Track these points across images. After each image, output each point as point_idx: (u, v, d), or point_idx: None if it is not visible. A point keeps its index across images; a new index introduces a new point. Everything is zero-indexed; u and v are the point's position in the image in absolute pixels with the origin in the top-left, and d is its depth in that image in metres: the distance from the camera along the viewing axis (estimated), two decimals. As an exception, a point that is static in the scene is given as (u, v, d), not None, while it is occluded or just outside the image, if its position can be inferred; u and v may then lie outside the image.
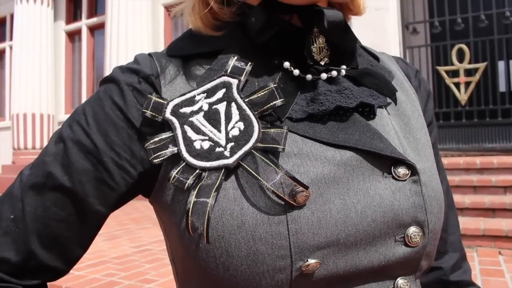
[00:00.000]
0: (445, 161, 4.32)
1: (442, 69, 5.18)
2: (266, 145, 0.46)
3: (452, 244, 0.69)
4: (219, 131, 0.47)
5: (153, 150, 0.47)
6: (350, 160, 0.47)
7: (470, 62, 5.07)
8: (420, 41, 5.55)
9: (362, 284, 0.49)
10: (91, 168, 0.49)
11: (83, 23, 8.67)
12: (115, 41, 7.23)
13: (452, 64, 5.13)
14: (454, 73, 5.15)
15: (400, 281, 0.50)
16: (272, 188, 0.44)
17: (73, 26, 8.88)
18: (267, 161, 0.45)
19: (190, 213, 0.44)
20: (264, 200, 0.45)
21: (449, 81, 5.15)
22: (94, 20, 8.53)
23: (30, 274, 0.50)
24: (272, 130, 0.46)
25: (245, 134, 0.46)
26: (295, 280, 0.45)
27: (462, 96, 5.09)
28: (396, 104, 0.56)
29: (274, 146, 0.45)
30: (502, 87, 5.24)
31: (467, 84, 5.08)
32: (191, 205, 0.44)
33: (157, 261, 3.43)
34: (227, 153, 0.46)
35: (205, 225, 0.43)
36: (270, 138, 0.46)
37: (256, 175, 0.44)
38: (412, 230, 0.49)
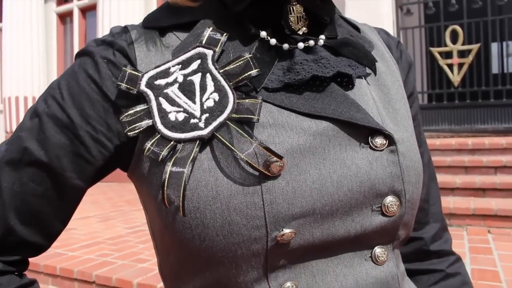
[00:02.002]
0: (437, 142, 4.35)
1: (435, 50, 5.17)
2: (241, 116, 0.46)
3: (433, 215, 0.70)
4: (194, 102, 0.47)
5: (128, 123, 0.47)
6: (326, 130, 0.48)
7: (463, 44, 5.06)
8: (414, 22, 5.52)
9: (339, 254, 0.49)
10: (67, 143, 0.49)
11: (75, 5, 8.54)
12: (107, 23, 7.14)
13: (445, 45, 5.12)
14: (448, 55, 5.14)
15: (377, 250, 0.51)
16: (246, 159, 0.44)
17: (64, 7, 8.75)
18: (242, 132, 0.45)
19: (166, 185, 0.44)
20: (238, 171, 0.45)
21: (442, 62, 5.15)
22: (85, 1, 8.40)
23: (10, 250, 0.51)
24: (247, 100, 0.46)
25: (220, 105, 0.46)
26: (271, 250, 0.46)
27: (455, 77, 5.10)
28: (375, 74, 0.56)
29: (249, 116, 0.45)
30: (495, 69, 5.24)
31: (460, 65, 5.08)
32: (167, 176, 0.44)
33: (151, 241, 3.44)
34: (201, 125, 0.46)
35: (181, 198, 0.44)
36: (245, 109, 0.46)
37: (230, 146, 0.44)
38: (389, 199, 0.49)
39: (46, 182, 0.49)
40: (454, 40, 5.07)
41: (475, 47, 4.99)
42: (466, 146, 4.21)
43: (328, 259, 0.49)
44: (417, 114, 0.66)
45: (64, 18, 8.94)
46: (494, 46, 5.23)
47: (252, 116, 0.45)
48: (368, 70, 0.55)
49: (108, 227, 4.02)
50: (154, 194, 0.48)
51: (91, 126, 0.49)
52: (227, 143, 0.45)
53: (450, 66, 5.12)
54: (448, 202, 3.66)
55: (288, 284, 0.47)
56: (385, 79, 0.58)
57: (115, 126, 0.50)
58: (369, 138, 0.49)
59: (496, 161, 3.96)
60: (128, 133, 0.47)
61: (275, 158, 0.44)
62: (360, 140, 0.49)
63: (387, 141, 0.49)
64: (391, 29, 5.15)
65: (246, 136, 0.45)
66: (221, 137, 0.45)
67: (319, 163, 0.46)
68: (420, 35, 5.40)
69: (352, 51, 0.53)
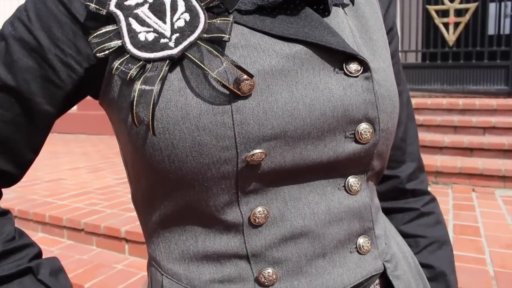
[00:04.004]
0: (429, 101, 4.35)
1: (432, 8, 5.09)
2: (212, 35, 0.45)
3: (410, 154, 0.70)
4: (164, 22, 0.46)
5: (97, 44, 0.46)
6: (299, 54, 0.47)
7: (461, 2, 4.98)
8: (412, -21, 5.40)
9: (312, 181, 0.49)
10: (36, 66, 0.47)
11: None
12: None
13: (442, 3, 5.03)
14: (444, 13, 5.07)
15: (351, 179, 0.51)
16: (216, 76, 0.43)
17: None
18: (213, 50, 0.44)
19: (134, 104, 0.43)
20: (209, 90, 0.44)
21: (438, 21, 5.08)
22: None
23: None
24: (217, 20, 0.45)
25: (191, 25, 0.45)
26: (241, 171, 0.45)
27: (450, 37, 5.05)
28: (353, 4, 0.54)
29: (220, 35, 0.44)
30: (491, 30, 5.18)
31: (456, 24, 5.02)
32: (136, 94, 0.43)
33: (140, 192, 3.49)
34: (171, 44, 0.45)
35: (150, 116, 0.43)
36: (216, 28, 0.45)
37: (200, 64, 0.44)
38: (363, 126, 0.49)
39: (15, 108, 0.48)
40: (452, -2, 4.99)
41: (472, 6, 4.92)
42: (457, 106, 4.23)
43: (300, 186, 0.49)
44: (396, 51, 0.65)
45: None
46: (492, 6, 5.14)
47: (223, 35, 0.44)
48: (346, 0, 0.54)
49: (98, 178, 4.04)
50: (124, 118, 0.48)
51: (59, 49, 0.48)
52: (197, 61, 0.44)
53: (446, 25, 5.06)
54: (436, 161, 3.71)
55: (259, 208, 0.47)
56: (363, 10, 0.57)
57: (85, 50, 0.48)
58: (344, 64, 0.48)
59: (485, 121, 3.99)
60: (97, 54, 0.46)
61: (245, 77, 0.43)
62: (334, 66, 0.48)
63: (362, 67, 0.49)
64: (388, -15, 5.03)
65: (217, 54, 0.44)
66: (191, 56, 0.44)
67: (291, 85, 0.45)
68: (418, -8, 5.30)
69: None
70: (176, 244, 0.52)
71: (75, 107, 7.40)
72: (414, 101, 4.34)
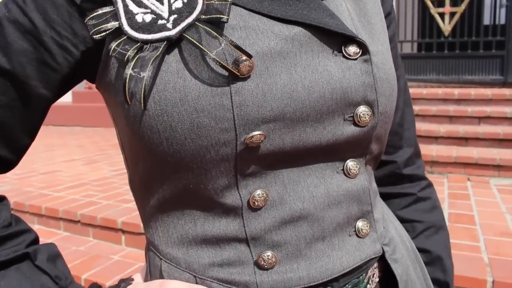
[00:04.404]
0: (424, 91, 4.36)
1: (428, -2, 5.08)
2: (210, 16, 0.44)
3: (407, 140, 0.70)
4: (162, 3, 0.45)
5: (94, 26, 0.45)
6: (298, 36, 0.46)
7: (456, -8, 4.98)
8: (408, -32, 5.38)
9: (311, 164, 0.49)
10: (31, 49, 0.47)
11: None
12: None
13: (438, -7, 5.03)
14: (440, 3, 5.06)
15: (349, 163, 0.51)
16: (215, 57, 0.43)
17: None
18: (211, 31, 0.44)
19: (127, 80, 0.43)
20: (207, 71, 0.44)
21: (434, 11, 5.07)
22: None
23: None
24: (216, 1, 0.45)
25: (189, 6, 0.45)
26: (240, 154, 0.45)
27: (446, 26, 5.04)
28: None
29: (218, 16, 0.44)
30: (486, 20, 5.18)
31: (452, 14, 5.01)
32: (128, 76, 0.43)
33: (136, 184, 3.48)
34: (169, 25, 0.44)
35: (142, 91, 0.43)
36: (214, 9, 0.44)
37: (199, 45, 0.43)
38: (362, 109, 0.49)
39: (11, 92, 0.48)
40: (448, -13, 4.98)
41: (468, -5, 4.91)
42: (452, 96, 4.24)
43: (299, 169, 0.49)
44: (394, 35, 0.65)
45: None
46: (488, -4, 5.15)
47: (221, 16, 0.44)
48: None
49: (93, 170, 4.03)
50: (121, 101, 0.47)
51: (55, 31, 0.47)
52: (195, 42, 0.43)
53: (442, 15, 5.05)
54: (431, 150, 3.72)
55: (259, 192, 0.47)
56: None
57: (81, 32, 0.47)
58: (342, 46, 0.48)
59: (480, 111, 4.00)
60: (94, 36, 0.45)
61: (244, 57, 0.42)
62: (333, 48, 0.48)
63: (361, 50, 0.48)
64: (384, -25, 5.01)
65: (216, 34, 0.43)
66: (189, 37, 0.44)
67: (290, 67, 0.45)
68: (413, -19, 5.29)
69: None
70: (174, 228, 0.51)
71: (70, 99, 7.37)
72: (409, 91, 4.35)
